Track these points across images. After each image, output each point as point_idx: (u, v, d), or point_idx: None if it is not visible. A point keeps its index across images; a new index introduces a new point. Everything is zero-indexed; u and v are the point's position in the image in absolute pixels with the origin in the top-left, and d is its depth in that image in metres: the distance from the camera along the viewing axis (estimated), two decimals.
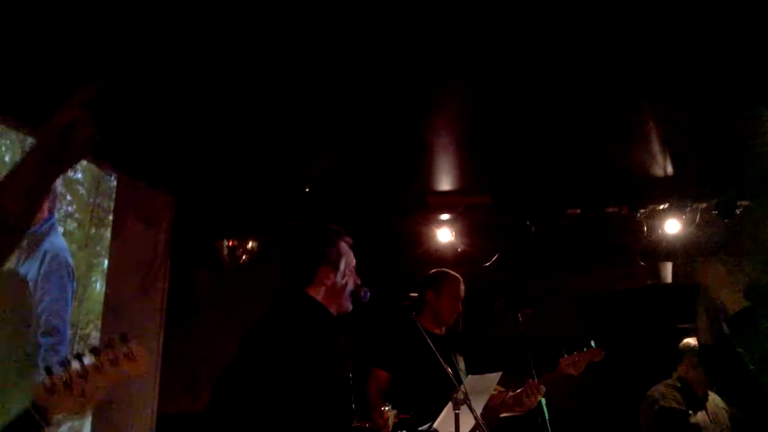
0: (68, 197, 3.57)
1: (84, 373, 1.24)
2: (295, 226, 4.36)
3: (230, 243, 4.51)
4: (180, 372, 4.40)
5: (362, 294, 2.68)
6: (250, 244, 4.57)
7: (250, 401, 2.33)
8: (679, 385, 4.20)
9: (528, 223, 5.01)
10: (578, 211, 5.20)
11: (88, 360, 1.25)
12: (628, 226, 5.17)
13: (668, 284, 5.42)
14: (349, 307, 2.67)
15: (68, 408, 1.23)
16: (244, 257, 4.54)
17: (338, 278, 2.63)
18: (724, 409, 4.12)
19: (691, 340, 4.20)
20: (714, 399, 4.17)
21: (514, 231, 5.17)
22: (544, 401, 3.93)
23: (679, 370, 4.25)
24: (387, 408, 3.02)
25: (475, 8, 2.70)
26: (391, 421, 3.00)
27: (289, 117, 3.78)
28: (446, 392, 3.10)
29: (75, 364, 1.24)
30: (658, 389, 4.25)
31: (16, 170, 1.30)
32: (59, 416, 1.21)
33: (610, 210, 5.20)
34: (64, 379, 1.23)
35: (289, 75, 3.27)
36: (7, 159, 3.21)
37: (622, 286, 5.46)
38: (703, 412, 4.10)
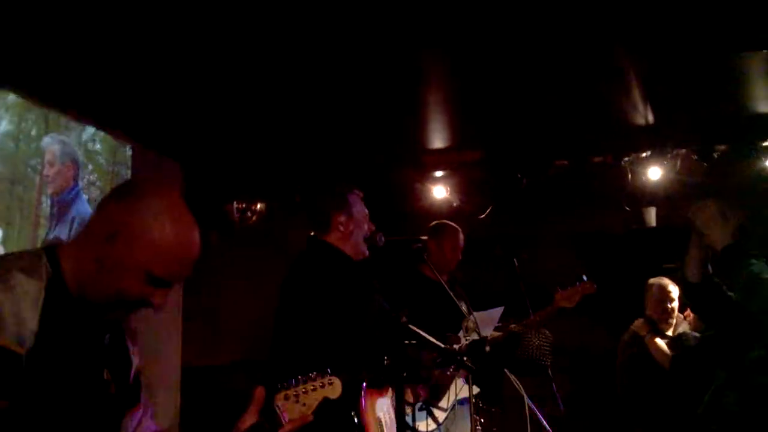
0: (89, 167, 3.79)
1: (307, 390, 1.67)
2: (310, 185, 4.57)
3: (239, 205, 4.74)
4: (199, 327, 4.66)
5: (378, 239, 2.95)
6: (258, 206, 4.79)
7: (293, 341, 2.61)
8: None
9: (519, 175, 5.26)
10: (566, 162, 5.46)
11: (307, 382, 1.69)
12: (613, 173, 5.44)
13: (652, 228, 5.71)
14: (366, 251, 2.93)
15: (294, 414, 1.65)
16: (253, 218, 4.77)
17: (352, 226, 2.90)
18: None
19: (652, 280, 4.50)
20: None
21: (505, 184, 5.43)
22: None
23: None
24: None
25: None
26: None
27: (289, 80, 3.97)
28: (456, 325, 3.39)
29: (302, 384, 1.68)
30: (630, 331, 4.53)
31: None
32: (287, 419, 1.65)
33: (595, 159, 5.47)
34: (296, 393, 1.67)
35: (290, 41, 3.46)
36: (33, 133, 3.41)
37: (609, 231, 5.74)
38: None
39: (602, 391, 5.29)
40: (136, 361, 1.70)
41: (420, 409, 3.49)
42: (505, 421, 4.96)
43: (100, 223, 1.48)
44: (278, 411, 1.66)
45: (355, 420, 2.52)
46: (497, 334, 3.10)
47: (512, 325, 3.84)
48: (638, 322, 4.42)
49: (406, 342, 2.42)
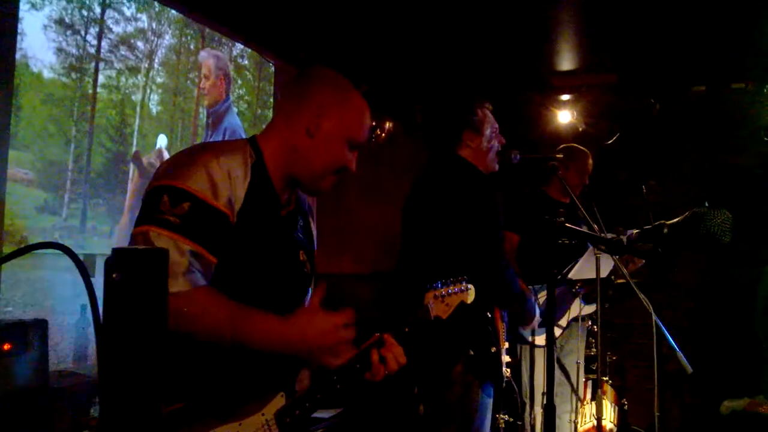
0: (239, 81, 4.05)
1: (450, 293, 1.90)
2: (439, 97, 4.64)
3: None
4: (326, 239, 4.96)
5: (512, 156, 2.99)
6: (387, 125, 4.94)
7: (429, 251, 2.76)
8: None
9: (652, 101, 5.08)
10: (703, 88, 5.22)
11: (449, 285, 1.92)
12: (753, 102, 5.17)
13: None
14: (495, 167, 2.97)
15: (439, 312, 1.89)
16: (382, 136, 4.93)
17: (483, 142, 2.93)
18: None
19: None
20: None
21: (636, 109, 5.28)
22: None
23: None
24: None
25: None
26: None
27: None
28: (578, 248, 3.44)
29: (446, 286, 1.91)
30: None
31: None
32: (428, 310, 1.88)
33: (735, 86, 5.20)
34: (443, 293, 1.90)
35: None
36: (191, 47, 3.67)
37: (746, 165, 5.48)
38: None
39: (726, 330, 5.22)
40: (315, 244, 1.93)
41: (539, 326, 3.61)
42: (620, 344, 5.05)
43: (302, 105, 1.67)
44: (429, 307, 1.90)
45: (489, 327, 2.68)
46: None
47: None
48: None
49: (561, 242, 2.50)
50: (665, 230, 2.17)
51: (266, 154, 1.67)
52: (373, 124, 5.05)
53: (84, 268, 0.85)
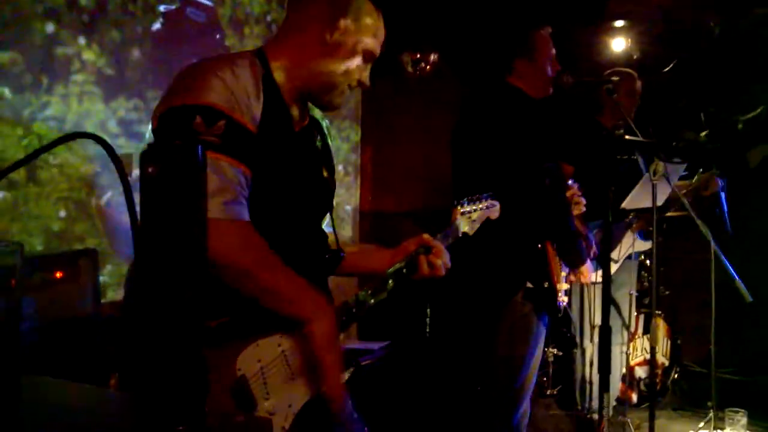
0: None
1: (476, 209, 1.99)
2: (488, 25, 4.47)
3: (413, 56, 4.78)
4: (372, 176, 4.92)
5: (564, 79, 2.88)
6: (432, 56, 4.81)
7: (470, 170, 2.71)
8: None
9: (711, 24, 4.80)
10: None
11: (476, 203, 2.01)
12: None
13: None
14: (549, 91, 2.89)
15: (466, 228, 1.98)
16: (427, 68, 4.80)
17: (535, 68, 2.84)
18: None
19: None
20: None
21: (694, 34, 5.00)
22: (723, 196, 4.04)
23: None
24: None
25: None
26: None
27: None
28: (632, 177, 3.32)
29: (472, 203, 2.00)
30: None
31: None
32: (457, 226, 1.97)
33: None
34: (468, 209, 1.99)
35: None
36: None
37: None
38: None
39: None
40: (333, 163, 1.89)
41: (591, 259, 3.54)
42: (673, 278, 4.92)
43: (313, 13, 1.60)
44: (457, 224, 1.97)
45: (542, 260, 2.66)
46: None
47: None
48: None
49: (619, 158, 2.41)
50: (740, 126, 2.03)
51: (275, 66, 1.60)
52: (418, 56, 4.94)
53: (119, 162, 0.81)
